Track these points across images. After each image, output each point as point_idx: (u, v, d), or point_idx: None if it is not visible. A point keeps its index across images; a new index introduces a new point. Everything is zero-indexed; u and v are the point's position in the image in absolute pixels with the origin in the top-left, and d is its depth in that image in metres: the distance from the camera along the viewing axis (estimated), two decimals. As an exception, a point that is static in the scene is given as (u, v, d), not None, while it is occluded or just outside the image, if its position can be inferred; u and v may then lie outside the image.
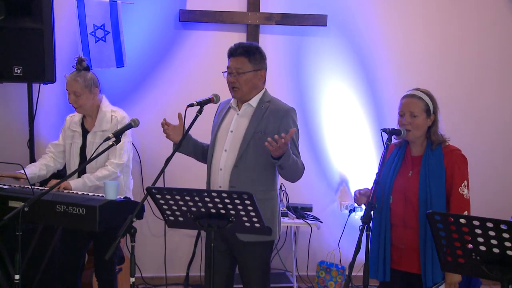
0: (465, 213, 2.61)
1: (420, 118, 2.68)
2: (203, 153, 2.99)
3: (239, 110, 2.85)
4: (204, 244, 2.96)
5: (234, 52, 2.79)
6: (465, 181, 2.64)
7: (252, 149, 2.76)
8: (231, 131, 2.82)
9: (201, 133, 3.11)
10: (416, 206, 2.65)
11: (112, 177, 3.17)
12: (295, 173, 2.76)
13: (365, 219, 2.26)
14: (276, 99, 2.90)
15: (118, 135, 2.64)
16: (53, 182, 3.07)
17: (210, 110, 2.90)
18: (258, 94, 2.85)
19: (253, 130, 2.77)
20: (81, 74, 3.21)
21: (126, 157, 3.25)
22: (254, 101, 2.83)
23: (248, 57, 2.77)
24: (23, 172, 3.07)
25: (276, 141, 2.50)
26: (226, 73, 2.83)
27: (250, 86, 2.80)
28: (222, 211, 2.28)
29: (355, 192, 2.71)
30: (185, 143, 2.83)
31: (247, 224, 2.32)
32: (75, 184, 3.09)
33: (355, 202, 2.73)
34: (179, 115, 2.83)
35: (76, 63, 3.25)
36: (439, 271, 2.58)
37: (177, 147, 2.65)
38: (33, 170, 3.26)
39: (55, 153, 3.36)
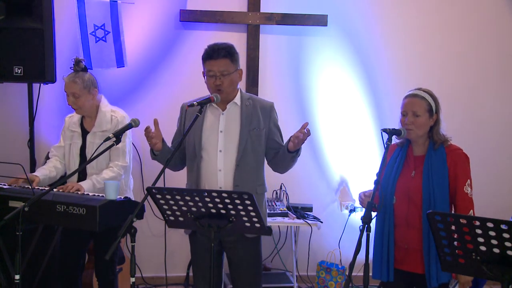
0: (470, 212, 2.63)
1: (422, 118, 2.68)
2: (181, 158, 2.95)
3: (222, 110, 2.85)
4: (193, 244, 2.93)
5: (216, 55, 2.77)
6: (468, 180, 2.66)
7: (250, 147, 2.80)
8: (221, 131, 2.82)
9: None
10: (420, 206, 2.65)
11: (118, 179, 3.18)
12: (293, 164, 2.86)
13: (366, 219, 2.27)
14: (253, 95, 2.98)
15: (118, 135, 2.64)
16: (72, 185, 3.06)
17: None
18: (238, 92, 2.88)
19: (247, 128, 2.81)
20: (79, 75, 3.20)
21: (128, 158, 3.27)
22: (238, 100, 2.87)
23: (230, 58, 2.79)
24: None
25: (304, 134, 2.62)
26: (206, 76, 2.81)
27: (234, 86, 2.84)
28: (223, 211, 2.28)
29: (359, 194, 2.72)
30: (166, 149, 2.81)
31: (247, 224, 2.33)
32: (86, 186, 3.08)
33: (360, 204, 2.75)
34: (155, 121, 2.76)
35: (73, 64, 3.24)
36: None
37: (178, 147, 2.65)
38: (44, 172, 3.24)
39: (59, 156, 3.34)
